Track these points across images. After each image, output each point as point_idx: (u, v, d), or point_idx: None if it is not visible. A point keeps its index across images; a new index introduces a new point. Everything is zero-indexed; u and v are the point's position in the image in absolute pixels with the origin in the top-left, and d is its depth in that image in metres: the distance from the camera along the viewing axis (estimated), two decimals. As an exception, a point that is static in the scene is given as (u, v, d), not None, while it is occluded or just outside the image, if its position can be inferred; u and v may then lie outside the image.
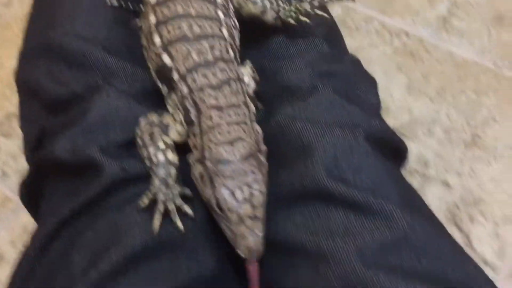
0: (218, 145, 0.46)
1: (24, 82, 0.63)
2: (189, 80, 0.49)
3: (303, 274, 0.44)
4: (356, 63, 0.63)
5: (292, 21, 0.58)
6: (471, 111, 0.85)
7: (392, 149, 0.55)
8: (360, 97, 0.58)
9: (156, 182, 0.47)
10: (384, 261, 0.42)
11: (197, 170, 0.47)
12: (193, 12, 0.52)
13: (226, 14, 0.55)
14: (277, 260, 0.46)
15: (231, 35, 0.54)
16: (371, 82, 0.63)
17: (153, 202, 0.46)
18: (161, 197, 0.46)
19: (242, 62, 0.55)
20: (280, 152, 0.51)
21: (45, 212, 0.53)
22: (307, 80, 0.57)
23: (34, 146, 0.58)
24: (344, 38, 0.69)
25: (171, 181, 0.47)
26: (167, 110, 0.53)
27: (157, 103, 0.55)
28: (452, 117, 0.85)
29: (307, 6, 0.58)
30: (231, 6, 0.57)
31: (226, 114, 0.47)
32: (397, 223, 0.44)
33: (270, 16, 0.59)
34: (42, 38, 0.61)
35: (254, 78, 0.55)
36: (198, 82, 0.49)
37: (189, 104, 0.49)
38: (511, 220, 0.76)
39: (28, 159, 0.60)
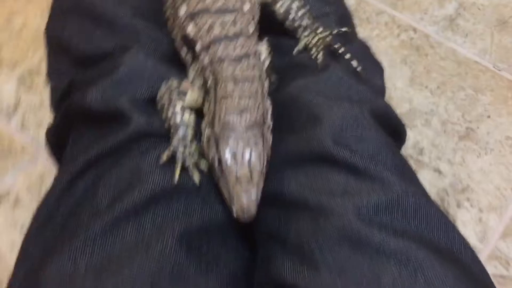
0: (227, 113, 0.50)
1: (54, 38, 0.66)
2: (211, 51, 0.53)
3: (304, 226, 0.48)
4: (365, 47, 0.67)
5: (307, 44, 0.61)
6: (467, 107, 0.89)
7: (393, 128, 0.59)
8: (368, 78, 0.62)
9: (175, 141, 0.51)
10: (377, 219, 0.46)
11: (206, 133, 0.51)
12: None
13: None
14: (281, 213, 0.50)
15: (252, 11, 0.58)
16: (378, 67, 0.67)
17: (173, 158, 0.50)
18: (179, 155, 0.50)
19: (261, 37, 0.59)
20: (290, 119, 0.55)
21: (69, 155, 0.56)
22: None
23: (62, 96, 0.62)
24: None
25: (188, 141, 0.51)
26: (188, 75, 0.57)
27: (180, 66, 0.59)
28: (449, 110, 0.89)
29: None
30: None
31: (240, 86, 0.51)
32: (392, 188, 0.48)
33: (280, 8, 0.62)
34: (72, -2, 0.65)
35: (270, 54, 0.59)
36: (219, 53, 0.52)
37: (208, 74, 0.53)
38: (494, 208, 0.81)
39: (54, 109, 0.64)
